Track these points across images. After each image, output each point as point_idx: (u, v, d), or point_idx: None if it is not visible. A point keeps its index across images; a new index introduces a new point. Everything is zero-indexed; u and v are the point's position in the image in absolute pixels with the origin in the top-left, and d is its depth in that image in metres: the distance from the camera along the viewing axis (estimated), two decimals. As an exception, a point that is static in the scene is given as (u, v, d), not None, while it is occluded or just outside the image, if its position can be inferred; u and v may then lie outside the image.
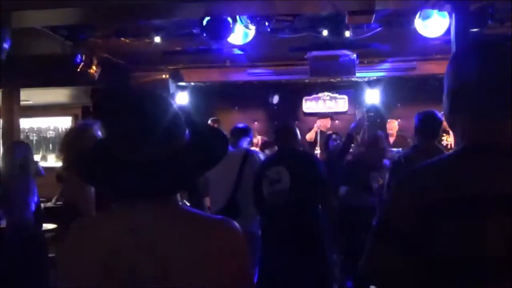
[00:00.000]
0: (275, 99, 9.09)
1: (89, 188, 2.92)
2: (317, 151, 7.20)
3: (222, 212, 3.82)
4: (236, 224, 1.19)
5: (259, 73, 7.93)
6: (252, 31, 5.04)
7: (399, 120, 8.20)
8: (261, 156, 4.38)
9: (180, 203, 1.24)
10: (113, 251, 1.10)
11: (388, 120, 8.08)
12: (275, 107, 9.21)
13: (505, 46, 1.14)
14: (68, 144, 3.30)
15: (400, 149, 6.12)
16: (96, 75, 6.70)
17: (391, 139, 7.57)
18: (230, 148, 4.31)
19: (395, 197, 1.14)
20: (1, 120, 7.28)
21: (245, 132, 4.36)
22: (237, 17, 4.84)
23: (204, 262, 1.09)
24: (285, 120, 5.45)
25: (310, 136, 7.81)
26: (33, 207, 4.35)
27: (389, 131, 7.76)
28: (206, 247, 1.10)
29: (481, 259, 1.01)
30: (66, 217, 3.25)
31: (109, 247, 1.10)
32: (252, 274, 1.57)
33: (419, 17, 4.82)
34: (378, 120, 8.61)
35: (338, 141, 5.69)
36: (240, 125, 4.51)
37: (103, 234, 1.14)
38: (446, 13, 4.64)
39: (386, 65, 7.54)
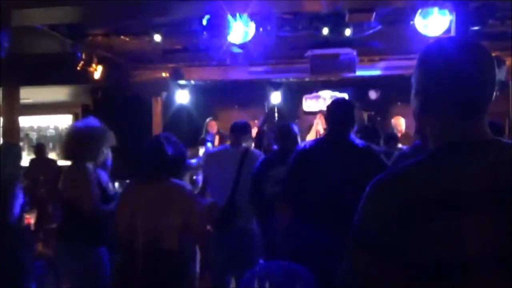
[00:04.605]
0: (275, 98, 9.07)
1: (94, 185, 3.14)
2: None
3: (222, 212, 3.78)
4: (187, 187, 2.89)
5: (259, 72, 7.92)
6: (252, 29, 5.04)
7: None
8: (261, 155, 4.29)
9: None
10: (135, 202, 2.80)
11: (394, 117, 7.98)
12: (276, 106, 9.20)
13: (472, 45, 1.13)
14: (74, 141, 3.29)
15: (404, 146, 6.05)
16: (96, 74, 6.69)
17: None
18: (229, 147, 4.24)
19: (371, 202, 1.10)
20: (1, 119, 7.27)
21: (244, 129, 4.20)
22: (237, 15, 4.84)
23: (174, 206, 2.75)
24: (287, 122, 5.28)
25: (311, 137, 7.30)
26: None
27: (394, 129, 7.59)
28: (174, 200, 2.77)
29: (460, 259, 1.00)
30: (69, 213, 3.22)
31: (135, 202, 2.80)
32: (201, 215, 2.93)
33: (419, 15, 4.82)
34: (379, 119, 8.58)
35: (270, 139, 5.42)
36: (239, 122, 4.32)
37: (132, 196, 2.87)
38: (446, 12, 4.64)
39: (386, 63, 7.53)
